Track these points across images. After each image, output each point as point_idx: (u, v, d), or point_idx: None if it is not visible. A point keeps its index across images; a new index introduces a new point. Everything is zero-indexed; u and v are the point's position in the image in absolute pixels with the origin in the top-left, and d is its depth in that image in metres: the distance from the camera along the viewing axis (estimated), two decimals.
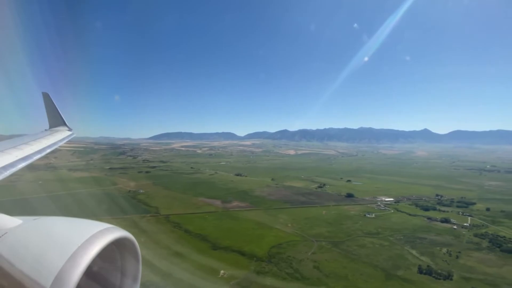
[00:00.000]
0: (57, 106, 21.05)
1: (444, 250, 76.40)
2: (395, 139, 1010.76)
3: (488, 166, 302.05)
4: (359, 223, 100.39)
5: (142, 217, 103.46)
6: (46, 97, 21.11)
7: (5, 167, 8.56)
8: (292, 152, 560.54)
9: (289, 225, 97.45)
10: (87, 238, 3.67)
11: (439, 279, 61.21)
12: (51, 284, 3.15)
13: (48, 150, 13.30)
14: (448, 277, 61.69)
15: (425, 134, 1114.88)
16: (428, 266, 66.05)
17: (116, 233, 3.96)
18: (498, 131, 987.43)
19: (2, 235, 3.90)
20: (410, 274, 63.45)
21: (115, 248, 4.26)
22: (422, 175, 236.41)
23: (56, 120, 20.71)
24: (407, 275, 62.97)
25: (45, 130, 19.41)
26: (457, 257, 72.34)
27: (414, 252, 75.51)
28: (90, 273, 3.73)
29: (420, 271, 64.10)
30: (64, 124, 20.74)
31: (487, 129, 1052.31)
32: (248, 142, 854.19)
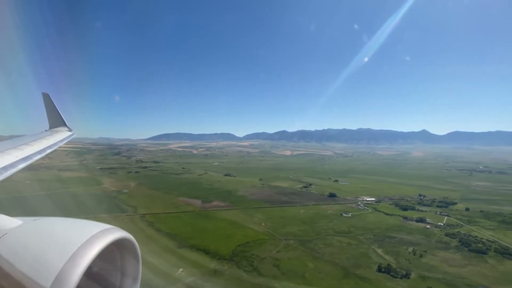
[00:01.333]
0: (57, 107, 21.02)
1: (411, 249, 76.05)
2: (393, 140, 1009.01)
3: (480, 167, 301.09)
4: (334, 222, 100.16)
5: (117, 217, 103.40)
6: (46, 98, 21.04)
7: (5, 168, 8.54)
8: (288, 153, 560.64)
9: (263, 224, 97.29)
10: (87, 238, 3.65)
11: (397, 277, 60.91)
12: (51, 285, 3.14)
13: (48, 151, 13.28)
14: (406, 275, 61.40)
15: (424, 135, 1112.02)
16: (388, 264, 65.74)
17: (116, 233, 3.95)
18: (497, 132, 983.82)
19: (2, 236, 3.89)
20: (369, 272, 63.18)
21: (115, 249, 4.26)
22: (412, 175, 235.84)
23: (56, 121, 20.65)
24: (365, 273, 62.72)
25: (45, 130, 19.43)
26: (421, 256, 72.01)
27: (379, 251, 75.22)
28: (90, 274, 3.75)
29: (379, 269, 63.84)
30: (64, 124, 20.71)
31: (486, 130, 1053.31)
32: (246, 143, 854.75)
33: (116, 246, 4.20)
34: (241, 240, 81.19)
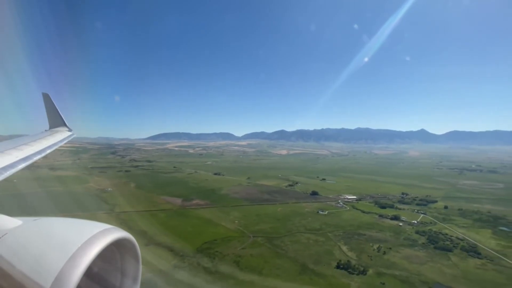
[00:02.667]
0: (57, 107, 21.02)
1: (376, 246, 76.03)
2: (391, 140, 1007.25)
3: (473, 166, 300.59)
4: (308, 220, 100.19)
5: (92, 215, 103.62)
6: (46, 98, 20.99)
7: (5, 168, 8.53)
8: (284, 152, 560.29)
9: (236, 221, 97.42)
10: (87, 238, 3.65)
11: (353, 274, 60.95)
12: (51, 285, 3.13)
13: (48, 151, 13.23)
14: (363, 272, 61.41)
15: (422, 135, 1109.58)
16: (348, 261, 65.82)
17: (116, 233, 3.94)
18: (495, 131, 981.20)
19: (2, 236, 3.88)
20: (327, 269, 63.23)
21: (115, 249, 4.25)
22: (401, 174, 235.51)
23: (56, 121, 20.66)
24: (323, 269, 62.78)
25: (45, 130, 19.43)
26: (384, 253, 71.98)
27: (344, 248, 75.26)
28: (90, 274, 3.76)
29: (338, 266, 63.87)
30: (64, 124, 20.71)
31: (484, 130, 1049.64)
32: (243, 143, 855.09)
33: (116, 246, 4.20)
34: (209, 238, 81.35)
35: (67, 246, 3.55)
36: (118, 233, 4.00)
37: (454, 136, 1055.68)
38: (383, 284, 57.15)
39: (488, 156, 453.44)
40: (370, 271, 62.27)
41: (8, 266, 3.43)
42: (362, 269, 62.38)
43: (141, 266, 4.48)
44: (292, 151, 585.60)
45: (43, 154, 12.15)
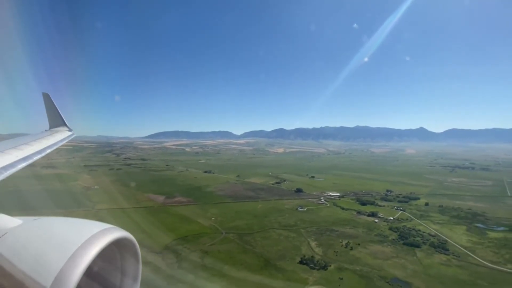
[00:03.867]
0: (57, 107, 20.94)
1: (345, 242, 76.33)
2: (390, 138, 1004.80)
3: (466, 164, 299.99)
4: (285, 216, 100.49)
5: (71, 212, 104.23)
6: (46, 98, 20.91)
7: (5, 168, 8.50)
8: (281, 150, 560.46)
9: (213, 218, 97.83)
10: (87, 238, 3.65)
11: (315, 269, 61.32)
12: (51, 284, 3.13)
13: (48, 151, 13.24)
14: (324, 267, 61.75)
15: (421, 133, 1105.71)
16: (312, 256, 66.21)
17: (116, 233, 3.94)
18: (493, 129, 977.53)
19: (2, 235, 3.88)
20: (289, 264, 63.60)
21: (115, 248, 4.25)
22: (392, 172, 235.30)
23: (56, 121, 20.59)
24: (285, 265, 63.14)
25: (45, 130, 19.38)
26: (351, 248, 72.31)
27: (313, 243, 75.59)
28: (90, 273, 3.76)
29: (301, 261, 64.24)
30: (64, 124, 20.65)
31: (483, 128, 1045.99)
32: (242, 141, 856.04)
33: (116, 246, 4.19)
34: (181, 235, 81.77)
35: (67, 245, 3.54)
36: (118, 233, 3.99)
37: (453, 134, 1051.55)
38: (341, 279, 57.48)
39: (484, 154, 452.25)
40: (332, 267, 62.59)
41: (8, 265, 3.43)
42: (324, 264, 62.63)
43: (141, 266, 4.51)
44: (289, 149, 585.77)
45: (43, 154, 12.12)
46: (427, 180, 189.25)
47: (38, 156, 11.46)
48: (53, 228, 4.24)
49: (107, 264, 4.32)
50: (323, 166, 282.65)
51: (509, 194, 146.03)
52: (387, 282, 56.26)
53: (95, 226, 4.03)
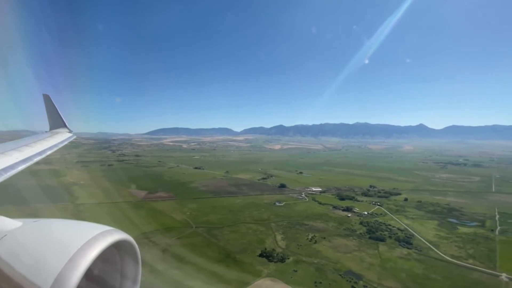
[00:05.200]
0: (57, 108, 21.02)
1: (311, 235, 76.68)
2: (389, 135, 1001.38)
3: (460, 160, 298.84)
4: (260, 211, 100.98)
5: (50, 206, 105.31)
6: (47, 99, 21.01)
7: (5, 169, 8.56)
8: (278, 147, 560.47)
9: (188, 213, 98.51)
10: (87, 240, 3.64)
11: (272, 261, 61.71)
12: (50, 286, 3.12)
13: (49, 152, 13.30)
14: (282, 260, 62.16)
15: (421, 130, 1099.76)
16: (273, 250, 66.59)
17: (116, 235, 3.94)
18: (493, 126, 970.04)
19: (2, 237, 3.87)
20: (249, 257, 64.07)
21: (115, 251, 4.25)
22: (383, 168, 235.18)
23: (56, 122, 20.71)
24: (244, 257, 63.63)
25: (46, 131, 19.49)
26: (315, 242, 72.65)
27: (279, 237, 76.00)
28: (90, 276, 3.76)
29: (261, 254, 64.65)
30: (65, 126, 20.75)
31: (483, 124, 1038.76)
32: (240, 138, 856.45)
33: (116, 248, 4.18)
34: (151, 228, 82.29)
35: (67, 247, 3.52)
36: (118, 235, 3.98)
37: (453, 131, 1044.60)
38: (295, 271, 57.86)
39: (481, 151, 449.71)
40: (290, 259, 62.98)
41: (7, 267, 3.40)
42: (282, 257, 63.03)
43: (140, 268, 4.49)
44: (286, 146, 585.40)
45: (43, 156, 12.20)
46: (415, 176, 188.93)
47: (39, 158, 11.55)
48: (52, 230, 4.20)
49: (107, 266, 4.31)
50: (315, 162, 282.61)
51: (493, 190, 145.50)
52: (340, 275, 56.54)
53: (95, 228, 4.00)
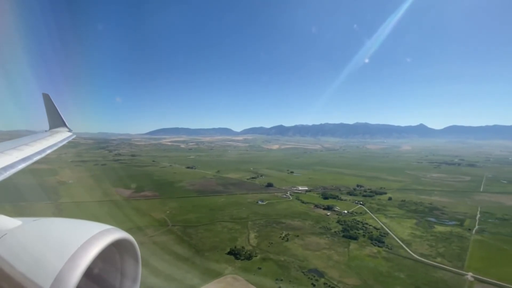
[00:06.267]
0: (57, 107, 20.98)
1: (285, 233, 76.67)
2: (389, 134, 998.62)
3: (455, 160, 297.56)
4: (241, 210, 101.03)
5: (33, 204, 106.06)
6: (47, 98, 20.96)
7: (5, 168, 8.60)
8: (275, 147, 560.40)
9: (168, 212, 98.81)
10: (87, 239, 3.65)
11: (239, 259, 61.82)
12: (50, 285, 3.13)
13: (48, 151, 13.34)
14: (249, 257, 62.27)
15: (421, 130, 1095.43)
16: (242, 247, 66.72)
17: (116, 234, 3.96)
18: (494, 126, 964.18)
19: (2, 236, 3.88)
20: (217, 254, 64.18)
21: (114, 250, 4.26)
22: (375, 167, 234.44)
23: (56, 121, 20.71)
24: (212, 255, 63.77)
25: (45, 131, 19.50)
26: (287, 240, 72.65)
27: (253, 235, 76.05)
28: (89, 275, 3.74)
29: (230, 252, 64.77)
30: (64, 125, 20.77)
31: (484, 124, 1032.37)
32: (239, 138, 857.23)
33: (116, 247, 4.20)
34: (127, 227, 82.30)
35: (67, 246, 3.52)
36: (118, 234, 4.00)
37: (453, 131, 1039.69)
38: (260, 268, 57.94)
39: (479, 151, 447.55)
40: (258, 257, 63.07)
41: (7, 266, 3.41)
42: (249, 255, 63.14)
43: (140, 267, 4.50)
44: (284, 146, 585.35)
45: (43, 155, 12.20)
46: (405, 176, 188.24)
47: (38, 157, 11.58)
48: (52, 229, 4.20)
49: (107, 265, 4.30)
50: (309, 162, 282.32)
51: (481, 189, 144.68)
52: (303, 272, 56.52)
53: (95, 227, 4.01)
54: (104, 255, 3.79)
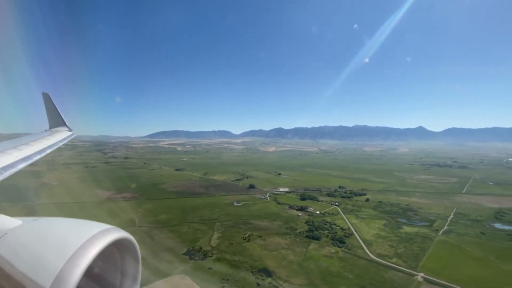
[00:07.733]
0: (57, 107, 20.98)
1: (249, 234, 76.74)
2: (388, 137, 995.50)
3: (448, 162, 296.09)
4: (214, 211, 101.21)
5: (13, 205, 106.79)
6: (46, 98, 20.93)
7: (5, 168, 8.63)
8: (272, 149, 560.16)
9: (140, 213, 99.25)
10: (87, 239, 3.68)
11: (194, 259, 62.04)
12: (50, 285, 3.15)
13: (48, 151, 13.29)
14: (204, 257, 62.46)
15: (420, 132, 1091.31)
16: (200, 248, 66.96)
17: (116, 234, 3.99)
18: (493, 128, 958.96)
19: (2, 236, 3.91)
20: (172, 255, 64.31)
21: (115, 249, 4.30)
22: (364, 169, 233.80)
23: (56, 121, 20.68)
24: (168, 256, 63.92)
25: (45, 130, 19.49)
26: (248, 240, 72.72)
27: (216, 236, 76.18)
28: (90, 274, 3.77)
29: (186, 252, 65.06)
30: (64, 124, 20.72)
31: (483, 127, 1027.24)
32: (238, 140, 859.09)
33: (116, 247, 4.24)
34: None
35: (67, 246, 3.56)
36: (118, 233, 4.04)
37: (452, 133, 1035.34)
38: (210, 268, 58.03)
39: (476, 153, 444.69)
40: (213, 257, 63.22)
41: (7, 266, 3.44)
42: (205, 255, 63.31)
43: (141, 266, 4.54)
44: (281, 148, 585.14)
45: (43, 154, 12.15)
46: (392, 177, 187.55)
47: (38, 157, 11.57)
48: (52, 229, 4.25)
49: (107, 264, 4.33)
50: (301, 164, 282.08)
51: (463, 191, 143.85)
52: (252, 272, 56.56)
53: (95, 226, 4.06)
54: (105, 255, 3.82)
